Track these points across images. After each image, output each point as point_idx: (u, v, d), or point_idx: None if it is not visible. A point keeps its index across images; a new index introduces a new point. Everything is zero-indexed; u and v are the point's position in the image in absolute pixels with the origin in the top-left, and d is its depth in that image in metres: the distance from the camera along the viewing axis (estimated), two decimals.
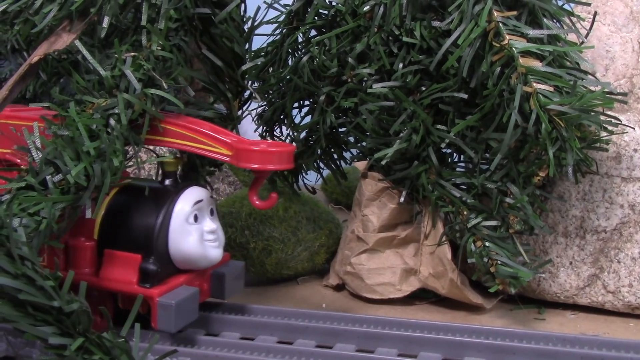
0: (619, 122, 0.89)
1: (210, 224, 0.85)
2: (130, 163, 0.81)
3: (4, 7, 0.82)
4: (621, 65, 1.04)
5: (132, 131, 0.79)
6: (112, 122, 0.77)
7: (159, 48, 0.81)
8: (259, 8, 0.94)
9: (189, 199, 0.83)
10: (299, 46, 1.09)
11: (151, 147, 0.97)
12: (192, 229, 0.83)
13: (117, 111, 0.77)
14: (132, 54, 0.78)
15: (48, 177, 0.72)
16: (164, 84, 0.79)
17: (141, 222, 0.82)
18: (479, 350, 0.81)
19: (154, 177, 0.99)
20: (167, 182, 0.86)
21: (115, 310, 0.85)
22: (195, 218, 0.83)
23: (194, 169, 0.98)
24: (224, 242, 0.88)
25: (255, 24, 0.93)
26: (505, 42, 0.86)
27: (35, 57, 0.81)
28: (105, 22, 0.79)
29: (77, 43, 0.78)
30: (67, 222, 0.75)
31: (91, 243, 0.83)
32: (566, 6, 0.96)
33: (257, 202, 0.82)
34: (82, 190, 0.73)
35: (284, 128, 1.16)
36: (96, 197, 0.75)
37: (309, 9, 1.06)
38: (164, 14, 0.78)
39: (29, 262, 0.63)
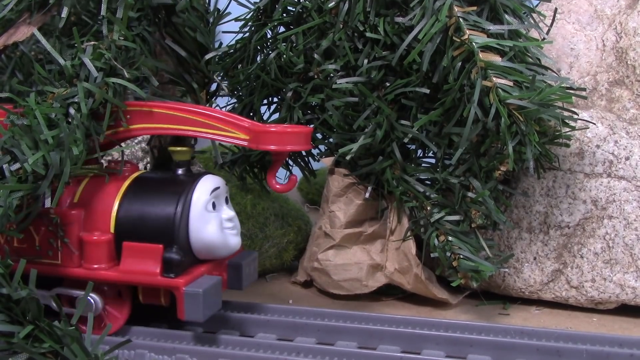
0: (577, 116, 0.89)
1: (228, 211, 0.83)
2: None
3: None
4: (585, 63, 1.05)
5: (93, 120, 0.79)
6: (72, 111, 0.77)
7: (122, 38, 0.81)
8: (230, 1, 0.95)
9: (206, 187, 0.82)
10: (267, 43, 1.09)
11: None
12: (212, 217, 0.81)
13: (77, 100, 0.77)
14: (92, 43, 0.78)
15: (5, 166, 0.72)
16: (126, 73, 0.80)
17: (160, 212, 0.80)
18: (437, 343, 0.82)
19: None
20: (179, 171, 0.85)
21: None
22: (214, 206, 0.82)
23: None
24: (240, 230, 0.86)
25: (222, 14, 0.94)
26: (466, 37, 0.87)
27: None
28: (64, 12, 0.79)
29: (36, 32, 0.78)
30: (28, 212, 0.75)
31: (108, 237, 0.81)
32: (528, 3, 0.97)
33: (277, 186, 0.81)
34: (41, 179, 0.73)
35: None
36: (57, 187, 0.75)
37: (276, 6, 1.07)
38: (121, 2, 0.79)
39: None
